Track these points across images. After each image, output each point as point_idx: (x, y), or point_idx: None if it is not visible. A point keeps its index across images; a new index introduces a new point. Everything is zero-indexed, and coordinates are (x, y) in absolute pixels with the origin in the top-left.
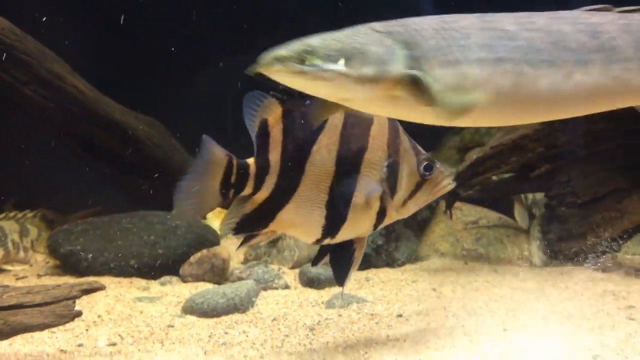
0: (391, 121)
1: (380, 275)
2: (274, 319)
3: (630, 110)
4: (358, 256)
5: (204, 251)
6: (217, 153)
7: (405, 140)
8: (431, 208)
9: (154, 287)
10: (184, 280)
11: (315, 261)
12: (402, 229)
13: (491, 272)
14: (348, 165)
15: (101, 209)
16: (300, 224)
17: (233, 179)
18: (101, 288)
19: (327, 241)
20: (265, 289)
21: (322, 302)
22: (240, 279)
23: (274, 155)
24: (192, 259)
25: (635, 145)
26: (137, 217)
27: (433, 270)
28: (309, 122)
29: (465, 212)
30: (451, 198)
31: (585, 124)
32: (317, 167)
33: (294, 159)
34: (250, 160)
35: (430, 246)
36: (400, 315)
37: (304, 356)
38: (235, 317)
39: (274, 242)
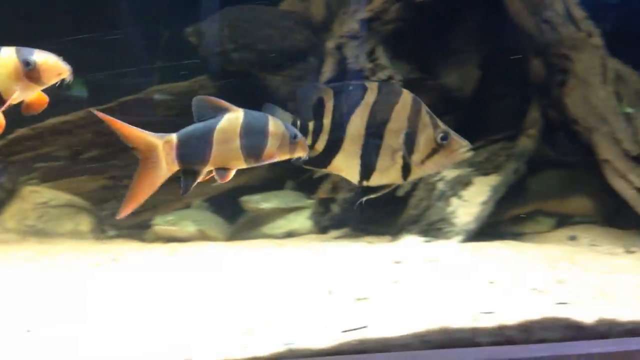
0: (414, 104)
1: None
2: None
3: None
4: (384, 190)
5: None
6: (283, 115)
7: (425, 117)
8: (7, 191)
9: None
10: None
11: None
12: None
13: (37, 244)
14: (375, 130)
15: None
16: (346, 169)
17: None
18: None
19: (365, 183)
20: None
21: None
22: None
23: (326, 121)
24: None
25: None
26: None
27: None
28: (350, 100)
29: (43, 194)
30: None
31: None
32: (353, 131)
33: (339, 124)
34: (310, 123)
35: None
36: None
37: None
38: None
39: None
